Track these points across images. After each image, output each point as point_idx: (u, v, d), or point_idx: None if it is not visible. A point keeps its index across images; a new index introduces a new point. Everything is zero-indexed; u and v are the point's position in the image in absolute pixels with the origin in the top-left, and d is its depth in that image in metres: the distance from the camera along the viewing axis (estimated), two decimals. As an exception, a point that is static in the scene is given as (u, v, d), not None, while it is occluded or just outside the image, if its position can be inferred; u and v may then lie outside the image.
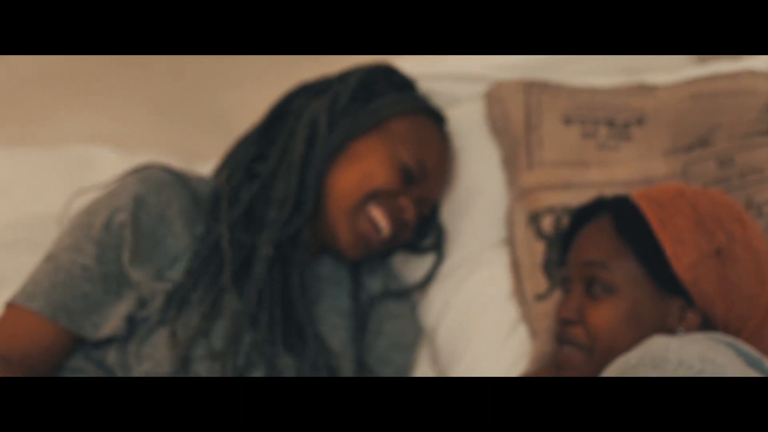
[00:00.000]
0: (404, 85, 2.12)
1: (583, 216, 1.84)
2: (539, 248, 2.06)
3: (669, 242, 1.70)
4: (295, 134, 2.01)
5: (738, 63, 2.09)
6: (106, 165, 2.22)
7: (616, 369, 1.51)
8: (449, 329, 2.14)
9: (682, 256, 1.69)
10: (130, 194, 1.87)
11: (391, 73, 2.12)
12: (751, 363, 1.58)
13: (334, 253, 2.09)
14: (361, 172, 1.99)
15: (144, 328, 1.86)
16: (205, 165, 2.32)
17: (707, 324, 1.72)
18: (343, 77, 2.09)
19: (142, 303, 1.87)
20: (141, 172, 1.93)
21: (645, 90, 2.10)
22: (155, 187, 1.90)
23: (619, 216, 1.76)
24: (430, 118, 2.11)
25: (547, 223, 2.06)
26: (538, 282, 2.06)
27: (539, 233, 2.07)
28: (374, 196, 2.00)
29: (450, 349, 2.13)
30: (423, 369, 2.21)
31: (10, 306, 1.82)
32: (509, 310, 2.11)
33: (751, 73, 2.00)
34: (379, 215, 2.01)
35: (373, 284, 2.17)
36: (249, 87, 2.34)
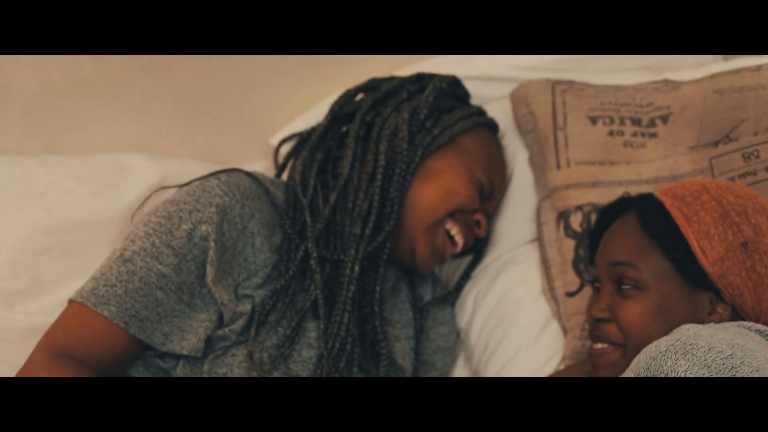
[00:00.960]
0: (466, 97, 2.15)
1: (608, 215, 1.85)
2: (569, 246, 2.08)
3: (695, 237, 1.71)
4: (372, 145, 2.01)
5: (762, 57, 2.09)
6: (140, 171, 2.24)
7: (646, 355, 1.52)
8: (482, 327, 2.16)
9: (709, 250, 1.70)
10: (215, 205, 1.84)
11: (457, 85, 2.14)
12: None
13: (400, 266, 2.09)
14: (442, 188, 2.01)
15: (219, 347, 1.83)
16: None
17: (738, 317, 1.73)
18: (412, 83, 2.10)
19: (220, 321, 1.84)
20: (225, 177, 1.89)
21: (669, 86, 2.10)
22: (240, 197, 1.87)
23: (644, 213, 1.77)
24: (492, 132, 2.14)
25: (575, 221, 2.07)
26: (568, 279, 2.07)
27: (568, 231, 2.08)
28: (454, 212, 2.02)
29: (483, 347, 2.14)
30: (457, 368, 2.24)
31: (80, 306, 1.77)
32: (541, 308, 2.12)
33: (775, 67, 2.00)
34: (455, 230, 2.04)
35: (426, 293, 2.19)
36: (280, 89, 2.35)
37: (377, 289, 1.99)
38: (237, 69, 2.31)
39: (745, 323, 1.62)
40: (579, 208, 2.07)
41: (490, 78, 2.27)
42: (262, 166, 2.36)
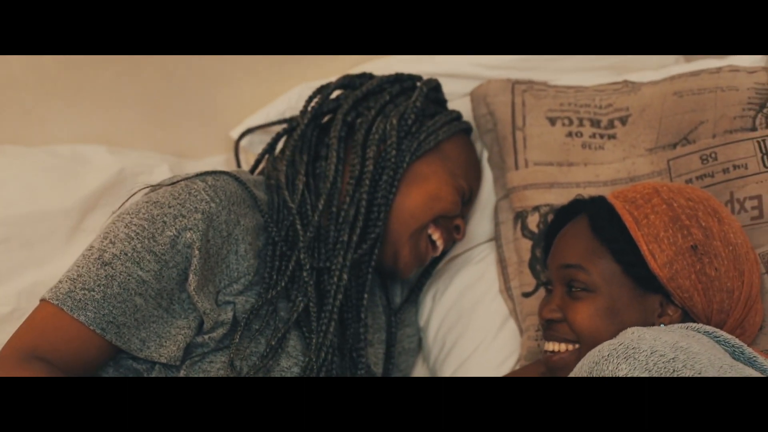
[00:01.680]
0: (445, 102, 2.15)
1: (561, 217, 1.86)
2: (525, 246, 2.08)
3: (644, 240, 1.71)
4: (358, 148, 1.99)
5: (721, 60, 2.09)
6: (99, 162, 2.23)
7: (589, 359, 1.52)
8: (439, 326, 2.16)
9: (658, 253, 1.70)
10: (201, 211, 1.79)
11: (438, 90, 2.14)
12: (732, 352, 1.58)
13: (379, 270, 2.07)
14: (427, 194, 2.01)
15: (197, 353, 1.79)
16: (196, 163, 2.34)
17: (688, 319, 1.73)
18: (392, 84, 2.09)
19: (199, 327, 1.80)
20: (212, 181, 1.84)
21: (629, 87, 2.10)
22: (226, 203, 1.82)
23: (595, 217, 1.78)
24: (468, 137, 2.15)
25: (533, 222, 2.07)
26: (524, 279, 2.07)
27: (525, 231, 2.08)
28: (438, 218, 2.02)
29: (440, 345, 2.14)
30: (416, 367, 2.23)
31: (55, 309, 1.71)
32: (498, 307, 2.12)
33: (734, 69, 1.99)
34: (437, 236, 2.04)
35: (396, 295, 2.19)
36: (239, 83, 2.34)
37: (365, 296, 1.98)
38: (197, 63, 2.30)
39: (694, 324, 1.62)
40: (536, 208, 2.07)
41: (453, 75, 2.26)
42: (222, 159, 2.36)
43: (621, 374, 1.45)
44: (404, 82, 2.10)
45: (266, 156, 2.08)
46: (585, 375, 1.51)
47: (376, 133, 2.00)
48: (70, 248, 2.16)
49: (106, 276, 1.73)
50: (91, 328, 1.70)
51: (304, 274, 1.88)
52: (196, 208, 1.78)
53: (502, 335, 2.10)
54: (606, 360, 1.49)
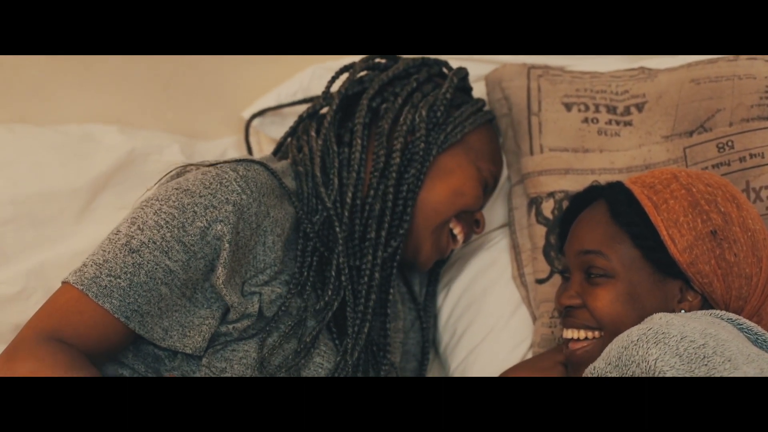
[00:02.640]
0: (470, 90, 2.11)
1: (578, 203, 1.85)
2: (540, 232, 2.07)
3: (664, 225, 1.71)
4: (383, 139, 1.95)
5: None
6: (109, 142, 2.21)
7: (617, 344, 1.52)
8: (450, 312, 2.15)
9: (678, 238, 1.69)
10: (232, 203, 1.75)
11: (465, 78, 2.10)
12: (755, 339, 1.58)
13: (399, 264, 2.04)
14: (451, 188, 1.97)
15: (219, 342, 1.77)
16: (206, 143, 2.33)
17: (707, 305, 1.72)
18: (418, 69, 2.04)
19: (222, 317, 1.77)
20: (243, 171, 1.80)
21: (646, 74, 2.09)
22: (257, 194, 1.78)
23: (614, 202, 1.77)
24: (491, 126, 2.11)
25: (547, 208, 2.06)
26: (538, 266, 2.06)
27: (539, 218, 2.07)
28: (460, 213, 1.99)
29: (451, 331, 2.13)
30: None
31: (80, 294, 1.68)
32: (510, 294, 2.11)
33: (751, 57, 1.98)
34: (458, 230, 2.01)
35: (415, 283, 2.17)
36: (251, 62, 2.32)
37: (391, 292, 1.97)
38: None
39: (717, 312, 1.62)
40: (551, 194, 2.06)
41: (467, 57, 2.23)
42: (232, 140, 2.35)
43: (651, 359, 1.44)
44: (431, 67, 2.06)
45: (289, 139, 2.05)
46: (614, 359, 1.50)
47: (404, 124, 1.96)
48: (79, 228, 2.15)
49: (133, 264, 1.69)
50: (116, 315, 1.68)
51: (342, 276, 1.86)
52: (227, 199, 1.75)
53: (514, 322, 2.09)
54: (635, 345, 1.48)
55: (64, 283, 1.71)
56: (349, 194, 1.91)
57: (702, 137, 1.96)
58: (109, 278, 1.68)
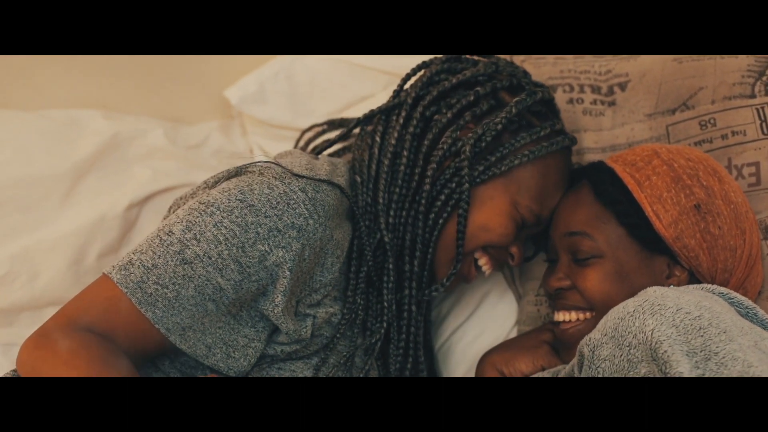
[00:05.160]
0: (544, 114, 1.88)
1: None
2: (524, 213, 2.07)
3: (648, 202, 1.72)
4: (421, 156, 1.82)
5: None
6: (93, 127, 2.21)
7: (613, 316, 1.52)
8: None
9: (662, 213, 1.71)
10: (297, 228, 1.64)
11: (544, 102, 1.89)
12: (745, 313, 1.59)
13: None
14: (478, 223, 1.81)
15: (265, 362, 1.71)
16: (190, 128, 2.33)
17: (695, 280, 1.74)
18: (483, 81, 1.86)
19: (268, 337, 1.71)
20: (312, 193, 1.68)
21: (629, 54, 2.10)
22: (323, 219, 1.67)
23: (597, 182, 1.78)
24: (558, 156, 1.87)
25: (532, 188, 2.06)
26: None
27: (524, 197, 2.07)
28: (486, 247, 1.86)
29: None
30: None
31: (122, 295, 1.59)
32: (496, 274, 2.11)
33: (734, 35, 2.00)
34: (483, 261, 1.88)
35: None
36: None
37: (420, 319, 1.89)
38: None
39: (708, 286, 1.63)
40: (536, 174, 2.06)
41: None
42: (217, 124, 2.36)
43: (648, 330, 1.45)
44: (501, 79, 1.86)
45: (357, 129, 1.96)
46: (610, 331, 1.51)
47: (443, 145, 1.81)
48: (63, 212, 2.14)
49: (183, 276, 1.60)
50: (157, 326, 1.59)
51: (387, 311, 1.81)
52: (293, 223, 1.64)
53: (498, 301, 2.10)
54: (632, 316, 1.49)
55: (105, 273, 1.62)
56: (391, 216, 1.82)
57: (684, 115, 1.97)
58: (156, 286, 1.59)
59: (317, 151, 1.99)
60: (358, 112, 2.26)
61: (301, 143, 2.12)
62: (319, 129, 2.09)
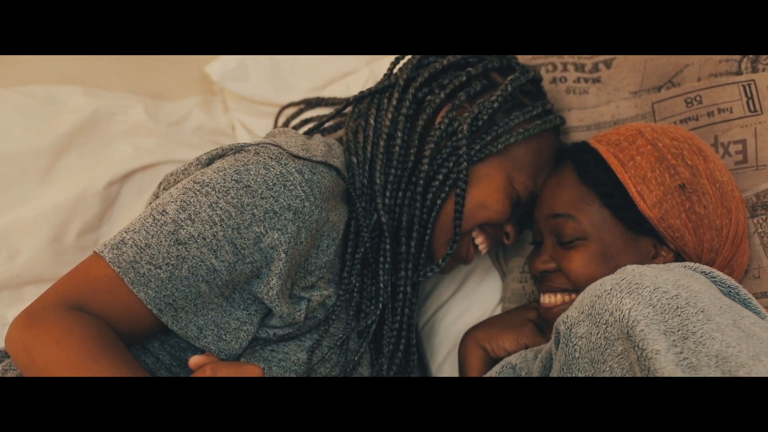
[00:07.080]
0: (533, 93, 1.92)
1: None
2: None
3: (632, 182, 1.70)
4: (415, 137, 1.83)
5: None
6: (73, 104, 2.19)
7: (590, 293, 1.51)
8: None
9: (647, 194, 1.69)
10: (293, 210, 1.63)
11: (534, 82, 1.93)
12: (728, 292, 1.58)
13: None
14: (475, 200, 1.82)
15: (258, 344, 1.69)
16: (171, 104, 2.31)
17: (681, 260, 1.72)
18: (474, 63, 1.88)
19: (260, 321, 1.68)
20: (308, 174, 1.66)
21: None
22: (320, 201, 1.66)
23: (580, 163, 1.77)
24: (550, 134, 1.92)
25: (515, 166, 2.05)
26: (506, 224, 2.06)
27: (507, 176, 2.06)
28: (483, 225, 1.87)
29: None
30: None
31: (114, 275, 1.57)
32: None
33: (720, 12, 1.98)
34: (480, 240, 1.88)
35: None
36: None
37: (414, 300, 1.90)
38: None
39: (691, 264, 1.61)
40: (520, 152, 2.05)
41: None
42: (197, 100, 2.34)
43: (624, 308, 1.44)
44: (492, 61, 1.89)
45: (349, 108, 1.96)
46: (587, 308, 1.50)
47: (440, 125, 1.83)
48: (43, 189, 2.12)
49: (177, 256, 1.58)
50: (149, 306, 1.57)
51: (383, 293, 1.80)
52: (289, 205, 1.62)
53: (483, 278, 2.10)
54: (609, 294, 1.47)
55: (96, 252, 1.60)
56: (387, 197, 1.82)
57: (670, 92, 1.96)
58: (148, 266, 1.57)
59: (309, 131, 1.96)
60: (340, 87, 2.25)
61: (281, 120, 2.10)
62: (296, 109, 2.07)
